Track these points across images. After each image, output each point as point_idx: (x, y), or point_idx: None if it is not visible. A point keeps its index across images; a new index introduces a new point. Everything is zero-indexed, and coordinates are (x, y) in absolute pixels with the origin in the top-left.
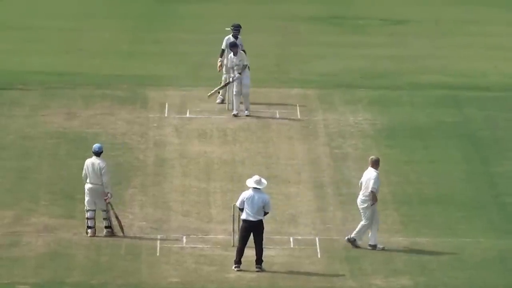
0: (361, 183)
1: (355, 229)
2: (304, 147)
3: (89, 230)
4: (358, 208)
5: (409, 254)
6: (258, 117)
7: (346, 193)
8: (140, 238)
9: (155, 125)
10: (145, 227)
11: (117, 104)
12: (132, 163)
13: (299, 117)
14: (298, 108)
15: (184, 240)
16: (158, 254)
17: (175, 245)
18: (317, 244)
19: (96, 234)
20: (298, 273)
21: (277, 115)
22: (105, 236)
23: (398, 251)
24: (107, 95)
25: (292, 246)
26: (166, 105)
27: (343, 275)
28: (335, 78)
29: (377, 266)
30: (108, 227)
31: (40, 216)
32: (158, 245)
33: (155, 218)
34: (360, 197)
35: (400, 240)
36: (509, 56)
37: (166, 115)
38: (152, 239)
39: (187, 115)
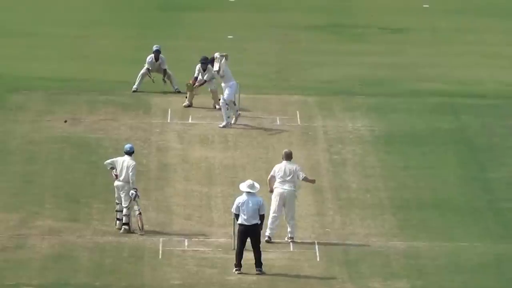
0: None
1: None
2: (303, 152)
3: (117, 222)
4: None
5: (406, 258)
6: (258, 123)
7: (345, 197)
8: (143, 241)
9: (157, 130)
10: (147, 230)
11: (121, 110)
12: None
13: (299, 123)
14: (298, 114)
15: (186, 243)
16: (160, 257)
17: (177, 248)
18: (316, 247)
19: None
20: (298, 276)
21: (278, 122)
22: (122, 232)
23: (396, 255)
24: (111, 101)
25: (291, 249)
26: (169, 111)
27: (342, 278)
28: (335, 85)
29: (375, 269)
30: (126, 224)
31: (45, 219)
32: (161, 248)
33: (158, 222)
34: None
35: (397, 244)
36: (505, 64)
37: (168, 120)
38: (154, 241)
39: (189, 121)
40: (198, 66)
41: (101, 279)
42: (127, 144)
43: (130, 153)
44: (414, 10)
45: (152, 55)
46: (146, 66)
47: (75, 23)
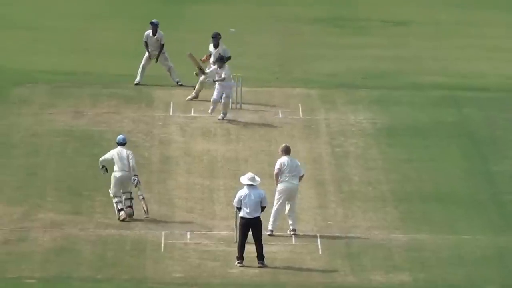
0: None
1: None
2: (306, 145)
3: (122, 212)
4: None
5: (408, 251)
6: (261, 116)
7: (347, 190)
8: (145, 234)
9: (160, 123)
10: (150, 223)
11: (123, 102)
12: (138, 160)
13: (301, 116)
14: (300, 107)
15: (188, 236)
16: (162, 250)
17: (179, 241)
18: (318, 240)
19: (129, 216)
20: (300, 269)
21: (280, 114)
22: (127, 214)
23: (398, 247)
24: (114, 94)
25: (294, 242)
26: (171, 104)
27: (344, 271)
28: (337, 78)
29: (377, 262)
30: (130, 206)
31: (48, 212)
32: (163, 241)
33: (160, 215)
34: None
35: (400, 237)
36: (507, 57)
37: (171, 113)
38: (157, 234)
39: (192, 113)
40: (211, 45)
41: (103, 272)
42: (119, 135)
43: (123, 144)
44: (417, 3)
45: (150, 30)
46: (143, 39)
47: (77, 16)
